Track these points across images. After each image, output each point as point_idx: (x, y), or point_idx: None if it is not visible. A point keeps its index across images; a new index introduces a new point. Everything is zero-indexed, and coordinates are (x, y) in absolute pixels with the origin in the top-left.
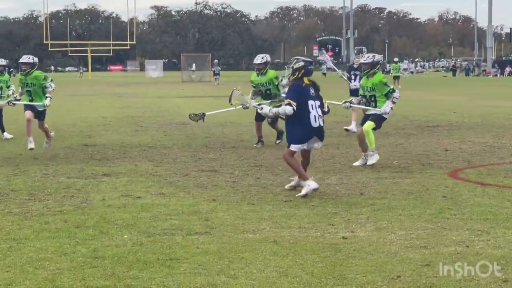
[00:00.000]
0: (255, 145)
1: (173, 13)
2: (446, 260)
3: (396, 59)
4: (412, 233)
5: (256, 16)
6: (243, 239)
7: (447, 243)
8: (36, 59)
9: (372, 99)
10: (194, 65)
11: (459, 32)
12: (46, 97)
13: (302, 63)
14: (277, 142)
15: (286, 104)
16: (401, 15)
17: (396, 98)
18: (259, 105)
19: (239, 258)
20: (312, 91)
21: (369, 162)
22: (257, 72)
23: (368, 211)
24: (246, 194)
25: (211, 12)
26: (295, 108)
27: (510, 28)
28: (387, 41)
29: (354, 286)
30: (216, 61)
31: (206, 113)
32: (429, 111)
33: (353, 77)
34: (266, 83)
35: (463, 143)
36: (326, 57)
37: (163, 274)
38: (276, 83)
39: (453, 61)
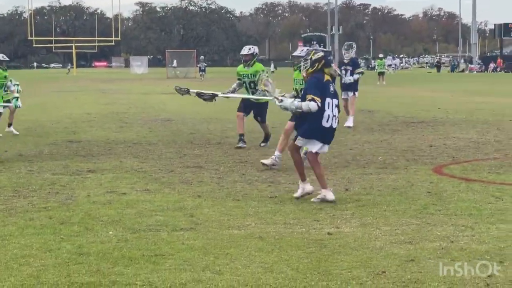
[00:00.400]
0: (237, 145)
1: (158, 9)
2: (431, 255)
3: (381, 55)
4: (397, 228)
5: (241, 12)
6: (228, 235)
7: (432, 238)
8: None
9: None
10: (175, 61)
11: (443, 28)
12: (16, 97)
13: (321, 53)
14: (262, 144)
15: (310, 100)
16: (386, 11)
17: None
18: (280, 97)
19: (224, 254)
20: (331, 88)
21: (265, 161)
22: (244, 63)
23: (353, 207)
24: (231, 190)
25: (196, 8)
26: (319, 104)
27: (494, 24)
28: (371, 37)
29: (339, 281)
30: (202, 57)
31: (191, 90)
32: (414, 107)
33: (343, 71)
34: (251, 74)
35: (447, 139)
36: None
37: (148, 270)
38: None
39: (438, 57)
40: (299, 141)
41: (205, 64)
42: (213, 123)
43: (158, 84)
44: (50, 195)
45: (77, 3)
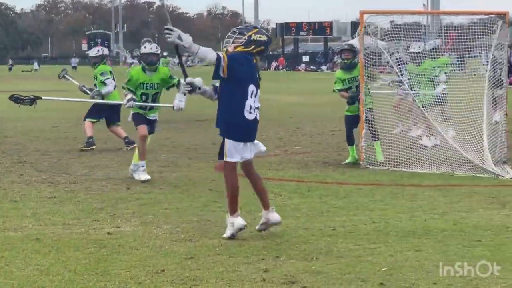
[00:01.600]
0: (125, 147)
1: None
2: (210, 252)
3: (165, 53)
4: (177, 226)
5: (22, 9)
6: (3, 238)
7: (212, 235)
8: None
9: (153, 96)
10: None
11: (227, 26)
12: None
13: (264, 38)
14: (126, 148)
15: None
16: (171, 9)
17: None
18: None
19: None
20: (257, 75)
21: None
22: (93, 65)
23: (134, 205)
24: (9, 191)
25: None
26: (222, 62)
27: (276, 23)
28: (157, 35)
29: (118, 281)
30: None
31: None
32: (199, 105)
33: None
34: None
35: None
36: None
37: None
38: (100, 80)
39: None
40: (231, 155)
41: None
42: None
43: None
44: None
45: None
